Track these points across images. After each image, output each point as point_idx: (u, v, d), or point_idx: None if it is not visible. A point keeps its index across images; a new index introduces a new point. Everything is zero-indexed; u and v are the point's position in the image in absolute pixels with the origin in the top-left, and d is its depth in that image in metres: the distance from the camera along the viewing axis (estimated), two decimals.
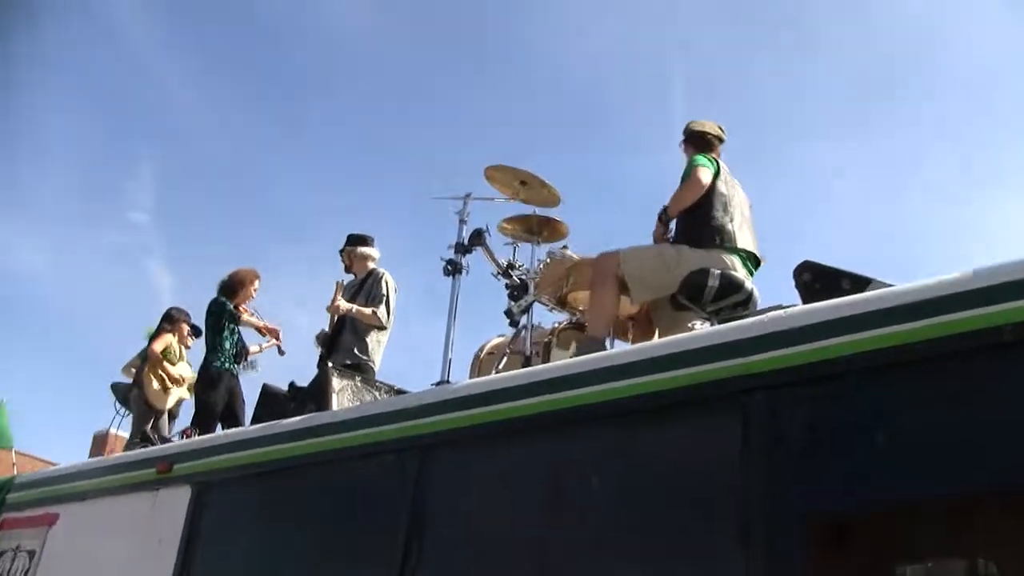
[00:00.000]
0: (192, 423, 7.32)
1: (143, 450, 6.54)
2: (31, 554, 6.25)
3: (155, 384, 8.47)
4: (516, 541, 4.04)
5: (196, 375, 8.16)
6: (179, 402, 8.74)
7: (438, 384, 5.08)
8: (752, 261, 5.38)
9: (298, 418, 5.18)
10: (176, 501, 5.41)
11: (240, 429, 5.41)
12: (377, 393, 6.21)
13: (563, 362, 4.44)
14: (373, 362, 7.13)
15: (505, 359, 5.36)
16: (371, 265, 7.48)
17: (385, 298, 7.21)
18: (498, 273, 5.61)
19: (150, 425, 8.34)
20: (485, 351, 5.92)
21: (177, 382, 8.67)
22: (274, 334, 8.25)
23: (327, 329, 7.37)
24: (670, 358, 3.76)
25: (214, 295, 8.13)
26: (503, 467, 4.19)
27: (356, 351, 7.07)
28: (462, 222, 5.55)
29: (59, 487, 6.45)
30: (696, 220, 5.31)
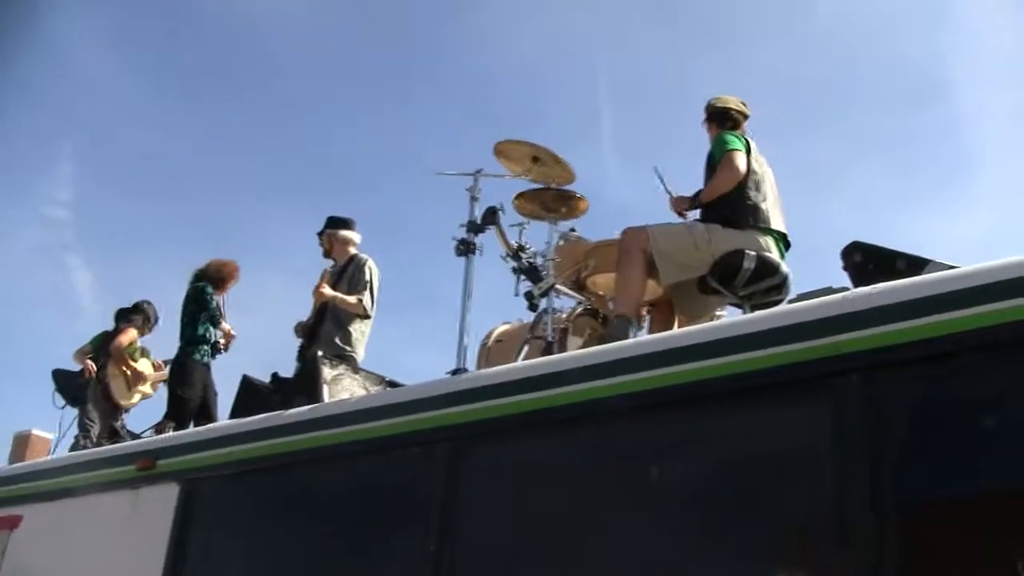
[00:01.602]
0: (166, 418, 6.81)
1: (120, 444, 6.04)
2: None
3: (121, 380, 7.93)
4: (571, 544, 3.67)
5: (165, 370, 7.68)
6: (143, 398, 8.20)
7: (454, 372, 4.70)
8: (783, 243, 5.09)
9: (304, 408, 4.75)
10: (161, 500, 4.94)
11: (235, 421, 4.97)
12: (369, 385, 5.83)
13: (624, 343, 4.07)
14: (356, 353, 6.69)
15: (527, 345, 4.99)
16: (352, 250, 7.04)
17: (369, 285, 6.78)
18: (508, 255, 5.24)
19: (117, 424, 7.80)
20: (493, 338, 5.55)
21: (141, 379, 8.13)
22: (230, 339, 7.75)
23: (307, 319, 6.93)
24: (748, 337, 3.43)
25: (194, 283, 7.60)
26: (554, 460, 3.82)
27: (339, 341, 6.63)
28: (473, 199, 5.18)
29: (21, 486, 5.91)
30: (728, 199, 5.00)
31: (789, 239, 5.11)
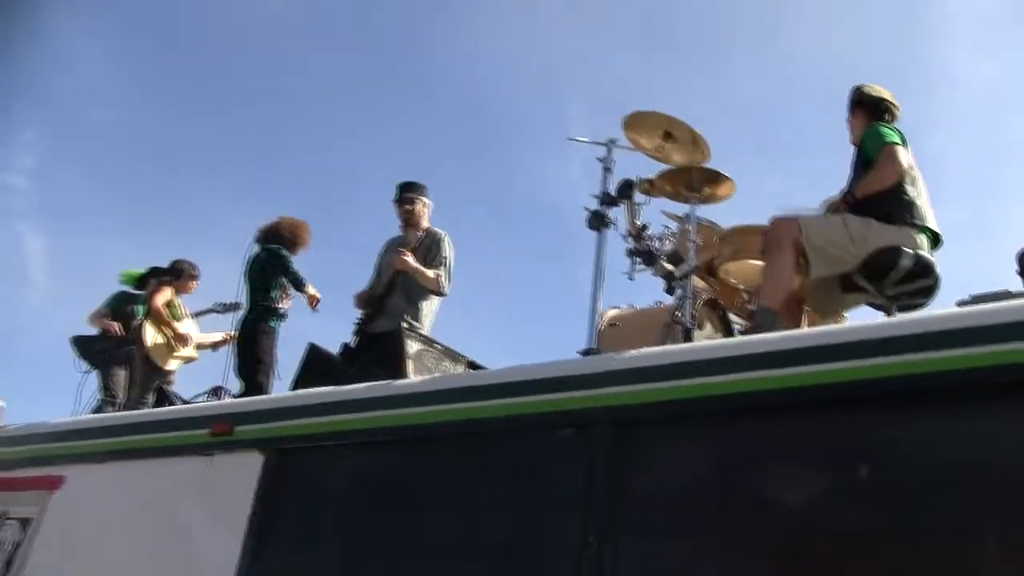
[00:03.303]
0: (250, 389, 6.25)
1: (192, 405, 5.54)
2: (24, 523, 5.18)
3: (159, 339, 7.39)
4: (748, 544, 3.26)
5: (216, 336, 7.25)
6: (186, 362, 7.68)
7: (585, 352, 4.29)
8: (935, 243, 4.75)
9: (427, 379, 4.34)
10: (240, 470, 4.47)
11: (338, 389, 4.48)
12: (450, 363, 5.41)
13: (827, 329, 3.65)
14: (423, 331, 6.26)
15: (666, 330, 4.58)
16: (426, 223, 6.61)
17: (447, 261, 6.37)
18: (629, 234, 4.85)
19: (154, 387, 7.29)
20: (606, 321, 5.14)
21: (183, 340, 7.60)
22: (315, 302, 7.18)
23: (373, 288, 6.47)
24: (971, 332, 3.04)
25: (264, 244, 7.10)
26: (736, 451, 3.40)
27: (408, 317, 6.19)
28: (607, 170, 4.80)
29: (64, 444, 5.37)
30: (886, 194, 4.65)
31: (942, 237, 4.76)
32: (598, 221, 4.61)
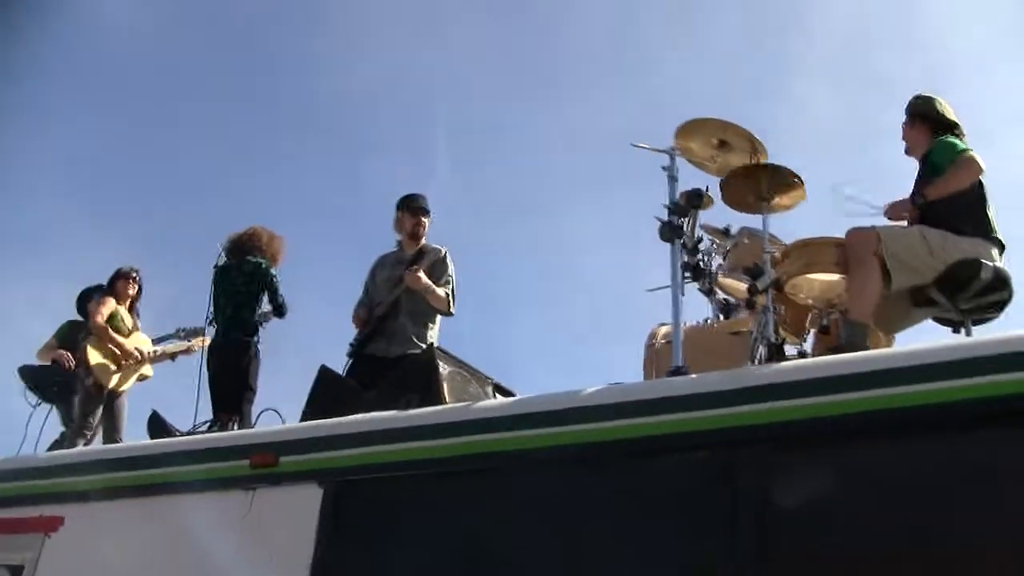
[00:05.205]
0: (231, 411, 5.71)
1: (224, 434, 5.01)
2: (15, 571, 4.60)
3: (105, 359, 6.77)
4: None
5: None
6: (139, 380, 7.05)
7: (673, 372, 4.03)
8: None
9: (524, 399, 3.98)
10: (291, 506, 4.04)
11: (410, 412, 4.09)
12: (479, 386, 5.09)
13: (997, 338, 3.44)
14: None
15: (753, 347, 4.35)
16: (424, 239, 6.23)
17: (452, 281, 6.01)
18: (684, 247, 4.61)
19: (99, 412, 6.67)
20: (660, 337, 4.89)
21: (129, 356, 6.95)
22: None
23: (373, 307, 6.03)
24: None
25: (243, 256, 6.50)
26: (885, 471, 3.18)
27: (414, 338, 5.80)
28: (672, 179, 4.56)
29: (63, 480, 4.80)
30: (959, 205, 4.56)
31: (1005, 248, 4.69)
32: (671, 232, 4.35)
